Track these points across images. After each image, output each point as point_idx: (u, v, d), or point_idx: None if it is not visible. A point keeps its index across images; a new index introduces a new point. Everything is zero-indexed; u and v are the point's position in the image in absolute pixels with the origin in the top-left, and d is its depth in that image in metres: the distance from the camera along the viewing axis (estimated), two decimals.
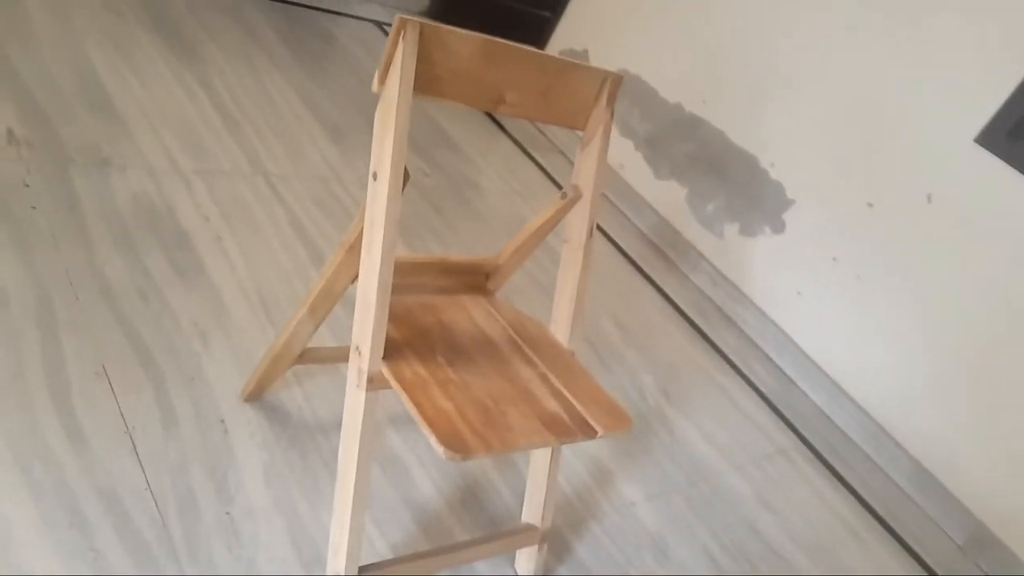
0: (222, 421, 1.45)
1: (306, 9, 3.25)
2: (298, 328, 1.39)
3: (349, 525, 1.18)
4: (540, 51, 1.24)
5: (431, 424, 1.08)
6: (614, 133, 3.09)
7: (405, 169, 1.15)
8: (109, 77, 2.18)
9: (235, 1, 2.98)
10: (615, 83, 1.33)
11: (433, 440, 1.06)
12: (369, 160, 1.14)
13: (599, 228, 2.84)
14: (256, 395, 1.53)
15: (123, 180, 1.86)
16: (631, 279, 2.66)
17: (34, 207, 1.66)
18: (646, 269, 2.75)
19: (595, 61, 3.17)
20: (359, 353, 1.15)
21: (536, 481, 1.44)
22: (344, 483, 1.18)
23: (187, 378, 1.49)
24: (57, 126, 1.91)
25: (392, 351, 1.18)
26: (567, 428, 1.19)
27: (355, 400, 1.16)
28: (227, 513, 1.31)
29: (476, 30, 1.17)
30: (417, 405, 1.10)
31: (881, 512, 2.17)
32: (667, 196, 2.92)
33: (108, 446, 1.31)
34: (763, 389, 2.43)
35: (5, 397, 1.30)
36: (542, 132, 3.33)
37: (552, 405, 1.23)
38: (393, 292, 1.32)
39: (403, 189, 1.16)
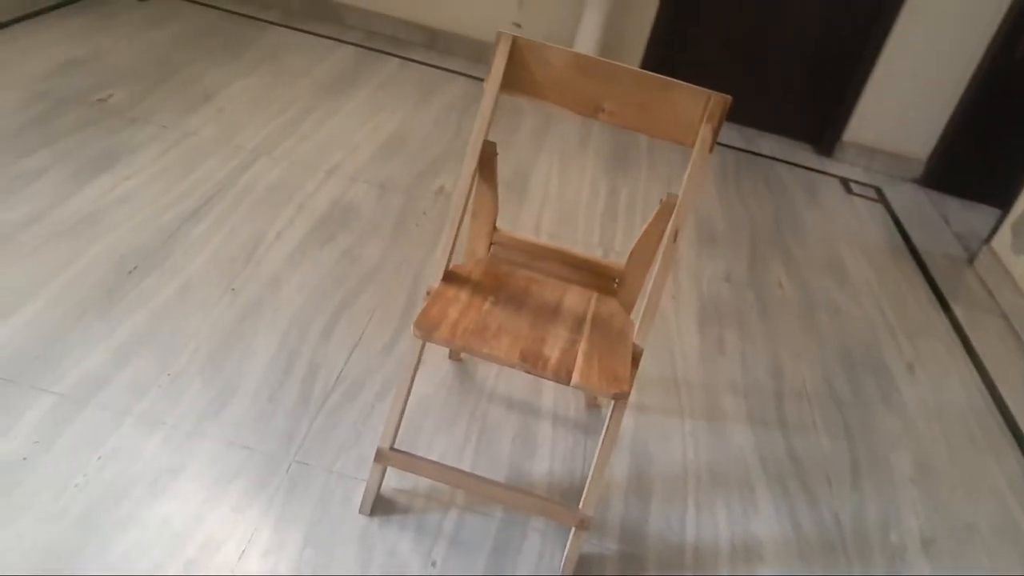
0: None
1: (766, 159, 3.59)
2: None
3: (390, 410, 1.50)
4: (635, 68, 1.46)
5: (423, 314, 1.37)
6: None
7: (491, 144, 1.50)
8: (538, 175, 2.93)
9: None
10: (718, 103, 1.44)
11: (413, 321, 1.35)
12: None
13: (989, 385, 2.40)
14: (456, 355, 1.94)
15: None
16: (994, 437, 2.17)
17: (417, 224, 2.44)
18: None
19: None
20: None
21: (591, 473, 1.50)
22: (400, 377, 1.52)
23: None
24: None
25: (457, 282, 1.50)
26: (541, 365, 1.32)
27: None
28: (373, 406, 1.75)
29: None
30: (426, 306, 1.40)
31: None
32: None
33: (340, 343, 1.90)
34: None
35: (311, 306, 2.01)
36: (986, 287, 2.92)
37: (551, 352, 1.37)
38: (519, 266, 1.65)
39: (490, 162, 1.52)
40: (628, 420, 1.91)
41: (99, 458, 1.50)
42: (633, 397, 1.98)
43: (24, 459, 1.46)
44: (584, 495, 1.48)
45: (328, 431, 1.67)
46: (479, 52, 3.78)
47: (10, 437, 1.50)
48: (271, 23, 3.68)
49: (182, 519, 1.43)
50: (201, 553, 1.38)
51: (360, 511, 1.52)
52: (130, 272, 1.96)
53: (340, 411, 1.72)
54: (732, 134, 3.73)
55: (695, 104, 1.45)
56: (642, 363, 2.08)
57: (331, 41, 3.66)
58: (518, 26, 3.71)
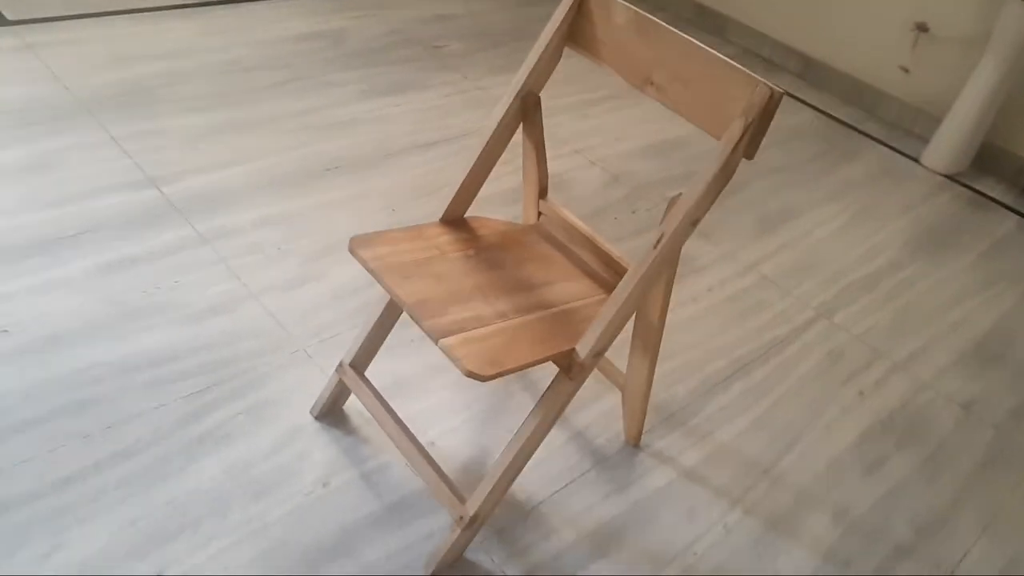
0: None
1: None
2: None
3: (361, 329, 1.50)
4: (690, 38, 1.21)
5: (373, 233, 1.35)
6: None
7: (534, 96, 1.39)
8: (807, 219, 2.52)
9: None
10: (762, 96, 1.12)
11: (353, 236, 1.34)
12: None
13: None
14: None
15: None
16: None
17: (615, 218, 2.31)
18: None
19: None
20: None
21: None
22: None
23: None
24: None
25: (459, 228, 1.44)
26: (427, 315, 1.21)
27: None
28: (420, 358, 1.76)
29: None
30: (386, 230, 1.37)
31: None
32: None
33: None
34: None
35: None
36: None
37: (459, 314, 1.24)
38: (552, 243, 1.53)
39: (533, 118, 1.40)
40: (662, 477, 1.60)
41: (176, 281, 1.78)
42: (692, 460, 1.65)
43: (133, 261, 1.82)
44: (475, 491, 1.31)
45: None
46: (853, 92, 3.35)
47: (141, 245, 1.87)
48: None
49: (176, 345, 1.63)
50: (160, 374, 1.57)
51: (310, 411, 1.57)
52: (327, 170, 2.25)
53: (392, 345, 1.76)
54: None
55: (738, 91, 1.16)
56: (743, 439, 1.71)
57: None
58: (905, 70, 3.19)
